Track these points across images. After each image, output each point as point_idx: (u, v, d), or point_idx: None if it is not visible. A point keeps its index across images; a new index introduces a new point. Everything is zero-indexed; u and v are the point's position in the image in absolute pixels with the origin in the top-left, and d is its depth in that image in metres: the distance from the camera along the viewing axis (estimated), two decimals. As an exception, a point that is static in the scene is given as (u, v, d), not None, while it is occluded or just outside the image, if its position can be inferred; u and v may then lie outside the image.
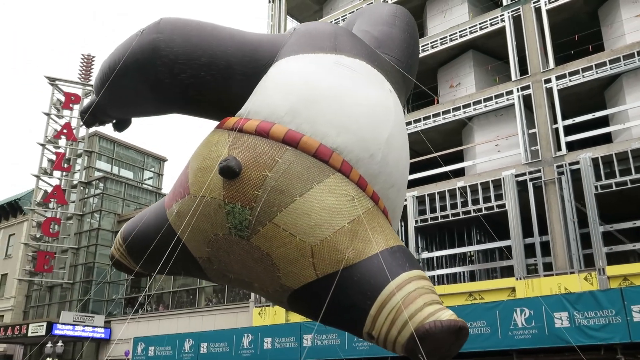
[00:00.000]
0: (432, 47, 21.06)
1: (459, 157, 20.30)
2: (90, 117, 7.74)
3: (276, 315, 21.80)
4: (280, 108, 6.49)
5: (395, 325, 6.07)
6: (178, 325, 24.35)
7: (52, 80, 35.46)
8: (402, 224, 19.11)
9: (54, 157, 35.31)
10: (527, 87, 18.18)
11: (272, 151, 6.66)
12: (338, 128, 6.60)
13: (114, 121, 8.04)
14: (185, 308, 26.96)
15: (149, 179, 41.62)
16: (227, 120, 6.59)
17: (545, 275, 15.73)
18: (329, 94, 6.64)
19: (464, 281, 18.95)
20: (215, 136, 6.77)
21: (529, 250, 17.16)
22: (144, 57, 6.85)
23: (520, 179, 17.47)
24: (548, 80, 17.80)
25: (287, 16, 27.06)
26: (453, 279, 18.84)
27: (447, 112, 19.94)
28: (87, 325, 28.93)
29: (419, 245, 19.22)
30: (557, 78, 17.63)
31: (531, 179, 17.25)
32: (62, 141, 35.86)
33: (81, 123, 6.70)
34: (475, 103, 19.34)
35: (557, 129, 17.45)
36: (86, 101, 33.52)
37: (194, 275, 9.46)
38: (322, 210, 6.66)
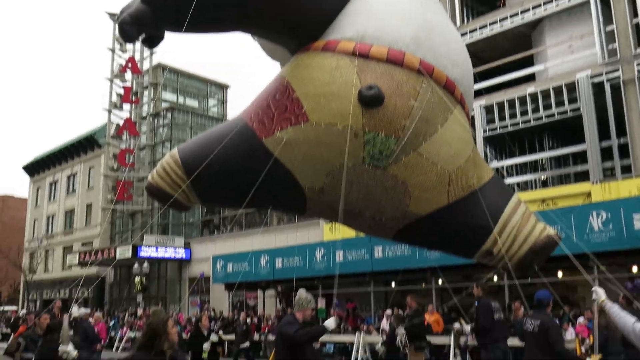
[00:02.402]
0: (498, -55, 19.75)
1: (529, 62, 19.39)
2: (133, 28, 6.21)
3: (346, 229, 22.33)
4: (404, 36, 6.38)
5: (516, 241, 6.84)
6: (253, 243, 25.45)
7: (113, 16, 35.97)
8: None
9: (122, 91, 36.43)
10: (604, -20, 16.89)
11: (411, 81, 6.65)
12: (451, 61, 6.66)
13: (147, 36, 6.69)
14: (259, 227, 28.06)
15: (213, 106, 42.37)
16: (339, 44, 6.21)
17: (623, 178, 15.19)
18: (437, 25, 6.66)
19: (536, 189, 18.61)
20: (331, 60, 6.58)
21: (605, 154, 16.54)
22: None
23: (596, 80, 16.60)
24: (627, -30, 16.44)
25: None
26: (524, 187, 18.52)
27: (515, 15, 18.90)
28: (169, 247, 30.71)
29: (488, 155, 18.90)
30: (638, -34, 16.25)
31: (608, 80, 16.35)
32: (128, 75, 36.80)
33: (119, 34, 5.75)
34: (545, 3, 18.19)
35: (637, 24, 16.27)
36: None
37: (282, 208, 9.27)
38: (458, 140, 7.00)
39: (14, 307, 44.67)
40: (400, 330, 10.14)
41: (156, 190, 7.40)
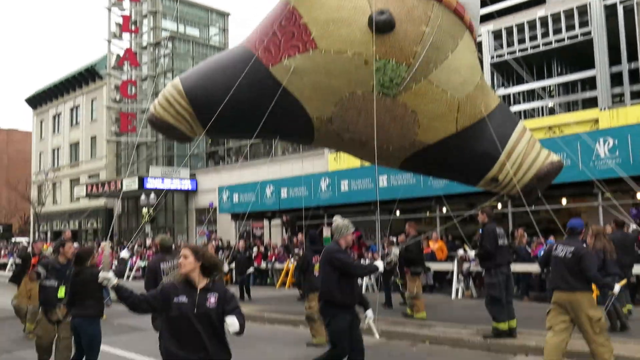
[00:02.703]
0: None
1: (539, -17, 18.67)
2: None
3: (351, 159, 22.34)
4: None
5: (521, 168, 7.06)
6: (258, 174, 25.55)
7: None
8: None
9: (120, 20, 35.59)
10: None
11: (422, 5, 6.41)
12: None
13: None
14: (264, 158, 28.09)
15: (215, 35, 41.43)
16: None
17: (632, 104, 14.95)
18: None
19: (543, 116, 18.40)
20: None
21: (615, 80, 16.22)
22: None
23: (608, 2, 16.05)
24: None
25: None
26: (531, 114, 18.30)
27: None
28: (174, 178, 30.91)
29: (495, 82, 18.57)
30: None
31: (621, 1, 15.81)
32: (126, 3, 35.85)
33: None
34: None
35: (654, -58, 15.54)
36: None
37: (289, 138, 8.98)
38: (467, 66, 6.90)
39: (25, 239, 45.61)
40: (395, 250, 10.37)
41: (159, 122, 7.23)
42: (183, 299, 3.70)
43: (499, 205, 15.53)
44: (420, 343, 8.65)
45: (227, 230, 25.76)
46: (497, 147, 6.85)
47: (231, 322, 3.54)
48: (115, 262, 7.45)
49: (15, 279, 10.22)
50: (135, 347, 8.12)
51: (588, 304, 6.19)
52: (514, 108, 18.16)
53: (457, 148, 6.95)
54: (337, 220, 6.05)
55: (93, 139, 40.45)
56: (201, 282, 3.78)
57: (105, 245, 5.40)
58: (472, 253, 9.00)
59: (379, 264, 5.87)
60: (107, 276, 4.16)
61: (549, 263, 6.76)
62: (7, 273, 22.36)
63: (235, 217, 23.63)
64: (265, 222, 24.10)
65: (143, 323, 6.39)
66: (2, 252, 33.63)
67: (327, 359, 5.59)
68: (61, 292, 6.91)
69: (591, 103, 17.12)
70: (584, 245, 6.67)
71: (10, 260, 29.75)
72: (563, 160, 14.23)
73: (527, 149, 7.14)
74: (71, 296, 6.06)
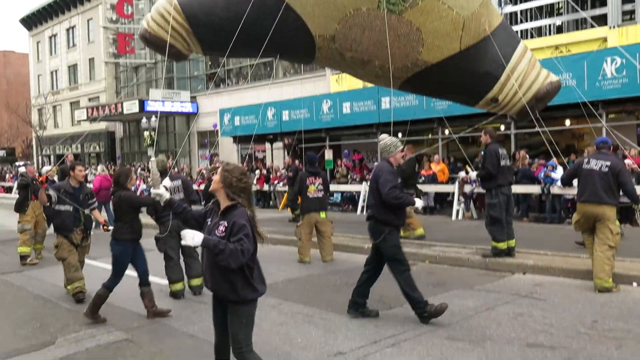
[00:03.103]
0: None
1: None
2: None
3: (353, 80, 22.00)
4: None
5: (521, 88, 6.98)
6: (259, 96, 25.27)
7: None
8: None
9: None
10: None
11: None
12: None
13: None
14: (265, 80, 27.69)
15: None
16: None
17: (643, 22, 14.49)
18: None
19: (551, 35, 17.90)
20: None
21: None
22: None
23: None
24: None
25: None
26: (538, 32, 17.81)
27: None
28: (175, 101, 30.63)
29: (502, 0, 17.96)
30: None
31: None
32: None
33: None
34: None
35: None
36: None
37: (290, 57, 8.65)
38: None
39: (23, 163, 45.85)
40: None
41: (153, 39, 7.02)
42: (209, 221, 3.58)
43: (502, 127, 15.43)
44: (420, 262, 8.84)
45: (230, 153, 25.80)
46: (498, 66, 6.76)
47: (183, 234, 3.30)
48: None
49: (20, 207, 10.14)
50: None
51: (613, 217, 6.52)
52: (522, 26, 17.65)
53: (460, 67, 6.84)
54: (384, 138, 5.85)
55: (91, 61, 39.75)
56: (223, 205, 3.53)
57: (153, 162, 5.43)
58: (473, 174, 9.02)
59: (418, 203, 5.79)
60: (159, 192, 4.19)
61: (574, 177, 6.90)
62: (14, 195, 22.65)
63: (238, 139, 23.60)
64: (267, 145, 24.09)
65: (148, 244, 6.53)
66: (7, 176, 33.92)
67: (400, 273, 5.62)
68: (84, 217, 7.02)
69: (600, 21, 16.60)
70: (619, 159, 6.87)
71: (15, 184, 30.08)
72: (569, 81, 14.09)
73: (528, 68, 7.07)
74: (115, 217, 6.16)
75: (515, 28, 17.02)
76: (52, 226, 8.68)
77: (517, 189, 12.96)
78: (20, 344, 5.39)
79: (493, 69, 6.99)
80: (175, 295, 6.89)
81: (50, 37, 44.59)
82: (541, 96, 7.36)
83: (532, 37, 17.64)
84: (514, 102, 7.29)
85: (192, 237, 3.31)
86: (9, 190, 29.52)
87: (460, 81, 7.15)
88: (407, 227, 10.58)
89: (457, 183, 14.43)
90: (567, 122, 14.90)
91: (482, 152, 8.76)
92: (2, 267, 9.52)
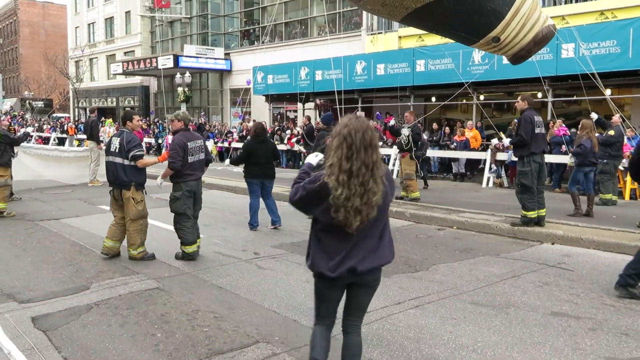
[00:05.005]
0: None
1: None
2: None
3: (388, 42, 21.64)
4: None
5: (523, 29, 6.84)
6: (293, 55, 25.08)
7: None
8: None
9: None
10: None
11: None
12: None
13: None
14: (299, 39, 27.42)
15: None
16: None
17: (696, -12, 13.79)
18: None
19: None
20: None
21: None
22: None
23: None
24: None
25: None
26: (584, -3, 17.15)
27: None
28: (209, 58, 30.62)
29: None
30: None
31: None
32: None
33: None
34: None
35: None
36: None
37: None
38: None
39: (65, 115, 46.74)
40: (404, 131, 10.63)
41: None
42: None
43: (539, 94, 15.07)
44: (448, 228, 8.84)
45: (261, 111, 25.85)
46: (505, 4, 6.75)
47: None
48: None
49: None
50: (160, 218, 8.87)
51: None
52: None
53: (466, 3, 6.81)
54: None
55: (127, 14, 39.85)
56: None
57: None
58: (506, 141, 8.88)
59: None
60: None
61: None
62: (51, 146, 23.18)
63: (270, 98, 23.58)
64: (299, 105, 24.04)
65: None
66: (45, 127, 34.67)
67: None
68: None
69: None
70: None
71: (53, 135, 30.75)
72: (613, 48, 13.61)
73: (531, 10, 7.01)
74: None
75: (559, -9, 16.46)
76: None
77: (551, 158, 12.74)
78: (58, 287, 5.63)
79: (499, 6, 6.95)
80: (192, 257, 6.74)
81: (87, -11, 44.78)
82: (539, 39, 7.10)
83: (576, 1, 17.01)
84: (513, 43, 7.29)
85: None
86: (46, 140, 30.22)
87: (466, 16, 6.99)
88: (406, 189, 10.96)
89: (489, 150, 14.24)
90: (608, 92, 14.45)
91: (516, 120, 8.59)
92: (41, 215, 9.87)
